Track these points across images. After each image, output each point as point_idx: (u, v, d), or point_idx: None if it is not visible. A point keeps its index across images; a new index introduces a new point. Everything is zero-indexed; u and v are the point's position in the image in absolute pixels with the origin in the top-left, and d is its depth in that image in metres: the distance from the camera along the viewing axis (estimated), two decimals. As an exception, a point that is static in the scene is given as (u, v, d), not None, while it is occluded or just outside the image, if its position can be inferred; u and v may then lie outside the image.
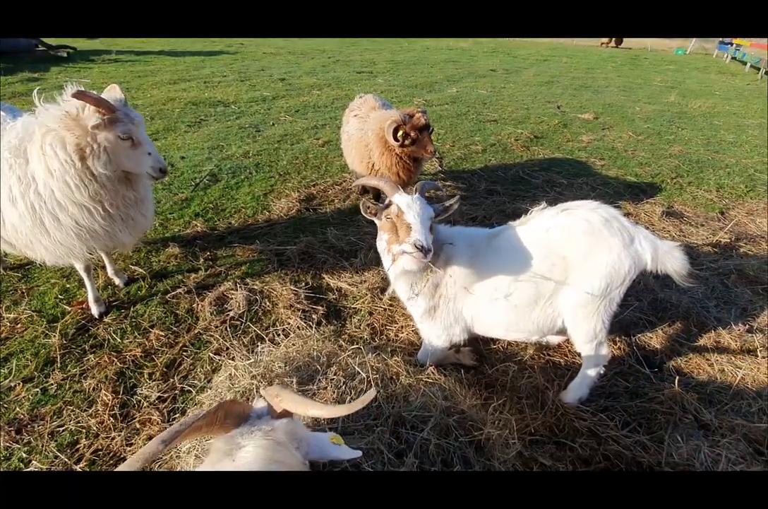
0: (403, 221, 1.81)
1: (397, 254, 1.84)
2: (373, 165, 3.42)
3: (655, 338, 2.66)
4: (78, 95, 1.92)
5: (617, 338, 2.62)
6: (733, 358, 2.47)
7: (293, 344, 1.98)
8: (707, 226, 4.16)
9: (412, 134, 3.01)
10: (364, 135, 3.51)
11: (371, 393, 1.03)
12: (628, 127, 7.56)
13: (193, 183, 4.35)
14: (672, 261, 1.96)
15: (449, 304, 2.06)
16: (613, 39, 28.21)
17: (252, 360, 1.84)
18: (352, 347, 1.95)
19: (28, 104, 7.06)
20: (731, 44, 22.47)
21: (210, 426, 1.01)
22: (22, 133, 2.12)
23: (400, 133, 3.03)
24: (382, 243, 2.00)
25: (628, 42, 29.91)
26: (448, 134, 6.59)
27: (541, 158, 5.80)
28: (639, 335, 2.68)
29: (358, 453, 1.17)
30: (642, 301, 2.92)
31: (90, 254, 2.32)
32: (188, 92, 7.98)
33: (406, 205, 1.85)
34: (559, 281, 1.95)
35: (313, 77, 10.24)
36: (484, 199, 4.47)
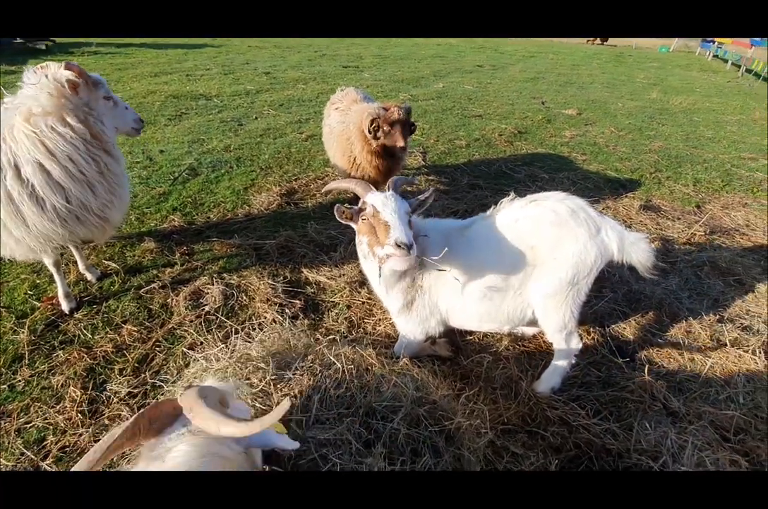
0: (380, 220, 1.75)
1: (382, 257, 1.77)
2: (354, 159, 3.40)
3: (628, 329, 2.70)
4: (68, 66, 2.02)
5: (591, 329, 2.66)
6: (703, 348, 2.52)
7: (269, 337, 1.97)
8: (683, 219, 4.23)
9: (385, 128, 3.00)
10: (345, 128, 3.48)
11: (285, 404, 0.99)
12: (611, 122, 7.65)
13: (171, 177, 4.28)
14: (638, 252, 1.99)
15: (425, 296, 2.06)
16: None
17: (225, 347, 1.82)
18: (329, 337, 1.95)
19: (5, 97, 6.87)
20: (713, 42, 22.85)
21: (133, 438, 0.97)
22: None
23: (373, 126, 3.03)
24: (363, 247, 1.92)
25: (613, 39, 30.19)
26: (432, 128, 6.58)
27: (524, 153, 5.83)
28: (613, 326, 2.72)
29: (296, 445, 1.14)
30: (617, 292, 2.96)
31: (65, 245, 2.28)
32: (170, 85, 7.84)
33: (381, 203, 1.78)
34: (528, 271, 1.97)
35: (299, 71, 10.14)
36: (466, 193, 4.48)
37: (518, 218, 1.99)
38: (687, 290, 3.12)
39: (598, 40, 27.98)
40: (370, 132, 3.05)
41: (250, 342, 2.05)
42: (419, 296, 2.09)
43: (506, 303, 2.04)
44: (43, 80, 2.04)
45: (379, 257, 1.79)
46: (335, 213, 1.84)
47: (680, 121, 8.20)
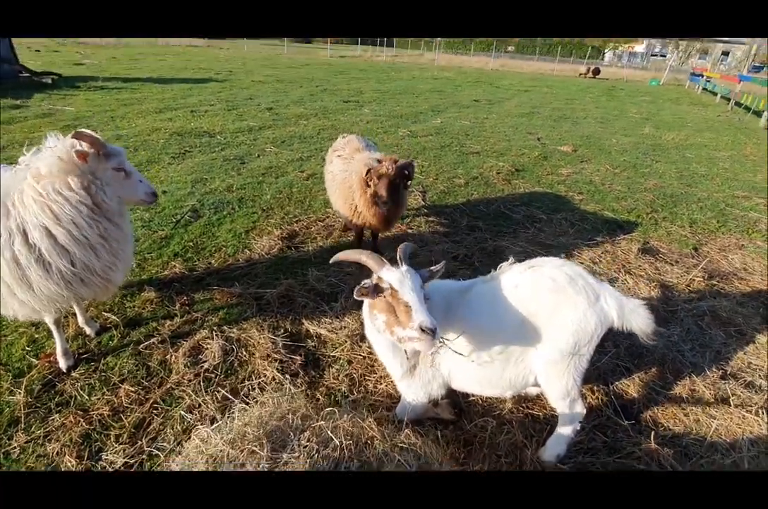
0: (400, 300, 1.70)
1: (404, 339, 1.72)
2: (356, 207, 3.47)
3: (632, 386, 2.67)
4: (77, 135, 2.08)
5: (595, 387, 2.63)
6: (707, 407, 2.49)
7: (266, 407, 1.93)
8: (681, 263, 4.26)
9: (375, 179, 3.12)
10: (348, 177, 3.57)
11: None
12: (606, 159, 7.83)
13: (174, 220, 4.33)
14: (637, 319, 1.99)
15: (426, 360, 2.05)
16: (591, 70, 29.63)
17: (222, 425, 1.78)
18: (327, 409, 1.91)
19: (7, 133, 7.02)
20: (702, 76, 23.70)
21: None
22: (4, 189, 2.10)
23: (367, 176, 3.19)
24: (378, 323, 1.84)
25: (605, 72, 31.38)
26: (432, 166, 6.72)
27: (521, 192, 5.94)
28: (617, 383, 2.69)
29: None
30: (619, 347, 2.95)
31: (68, 307, 2.30)
32: (174, 122, 8.05)
33: (398, 281, 1.73)
34: (529, 338, 1.97)
35: (301, 107, 10.44)
36: (466, 235, 4.53)
37: (518, 283, 2.00)
38: (689, 342, 3.10)
39: (590, 74, 29.08)
40: (364, 182, 3.23)
41: (248, 409, 2.01)
42: (422, 361, 2.08)
43: (508, 370, 2.02)
44: (58, 145, 2.11)
45: (399, 337, 1.74)
46: (355, 294, 1.77)
47: (673, 157, 8.41)
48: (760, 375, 2.78)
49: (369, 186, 3.22)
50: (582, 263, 4.09)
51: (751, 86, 16.64)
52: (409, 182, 3.34)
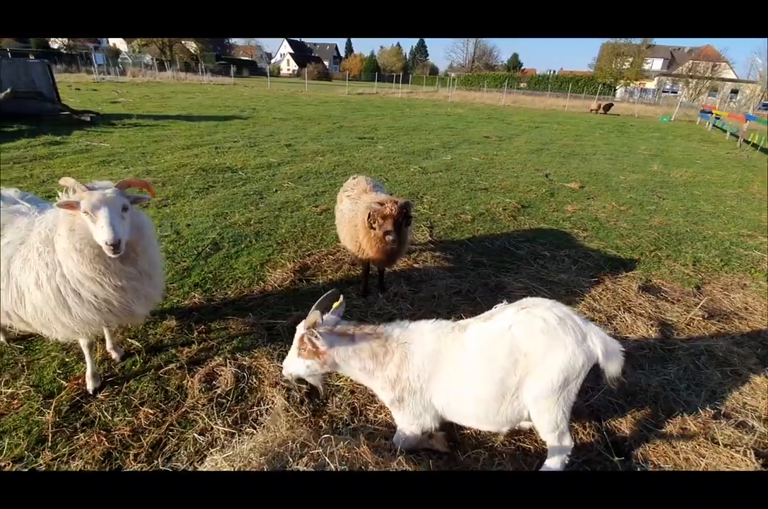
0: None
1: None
2: (360, 244, 3.73)
3: (624, 423, 2.75)
4: (64, 181, 2.27)
5: (587, 424, 2.72)
6: (697, 446, 2.55)
7: (270, 432, 2.10)
8: (683, 301, 4.35)
9: (379, 220, 3.36)
10: (354, 216, 3.85)
11: None
12: (612, 196, 8.03)
13: (195, 252, 4.65)
14: (613, 361, 2.14)
15: (416, 396, 2.19)
16: (602, 106, 30.31)
17: (231, 453, 1.96)
18: (324, 435, 2.08)
19: (47, 168, 7.61)
20: (711, 113, 24.10)
21: None
22: (50, 224, 2.42)
23: (370, 219, 3.42)
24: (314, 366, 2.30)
25: (616, 108, 32.09)
26: (440, 202, 7.02)
27: (527, 228, 6.15)
28: (609, 420, 2.77)
29: None
30: (613, 384, 3.04)
31: (102, 329, 2.52)
32: (200, 158, 8.62)
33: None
34: (522, 376, 2.10)
35: (317, 143, 11.03)
36: (470, 271, 4.72)
37: (512, 324, 2.15)
38: (685, 381, 3.17)
39: (601, 110, 29.76)
40: (368, 224, 3.46)
41: (255, 433, 2.19)
42: (409, 396, 2.21)
43: (503, 407, 2.13)
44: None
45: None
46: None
47: (681, 194, 8.56)
48: (753, 416, 2.84)
49: (372, 228, 3.47)
50: (582, 300, 4.22)
51: (757, 126, 16.90)
52: (411, 219, 3.57)
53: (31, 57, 15.14)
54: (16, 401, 2.62)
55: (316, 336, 2.17)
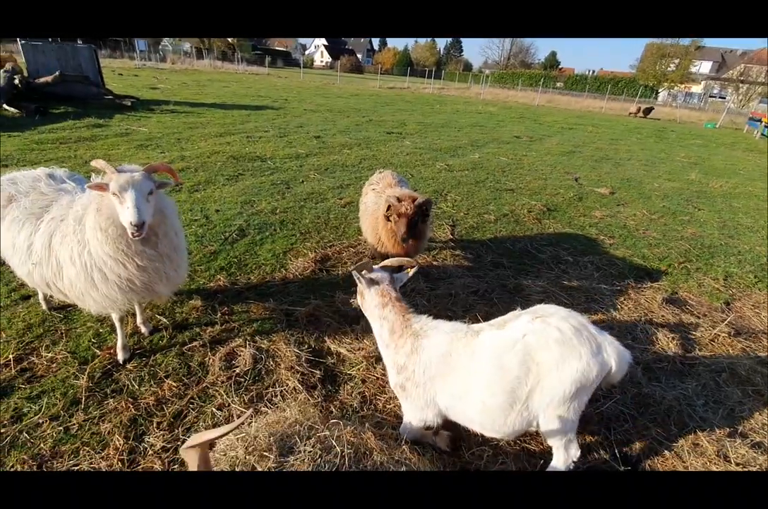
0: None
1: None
2: (380, 237, 3.79)
3: (634, 434, 2.73)
4: (95, 163, 2.37)
5: (597, 431, 2.71)
6: (708, 463, 2.52)
7: (279, 418, 2.20)
8: (709, 317, 4.22)
9: (395, 216, 3.41)
10: (377, 209, 3.91)
11: (247, 414, 1.57)
12: (644, 204, 7.79)
13: (223, 237, 4.81)
14: (619, 371, 2.13)
15: (418, 389, 2.22)
16: (642, 109, 29.18)
17: (243, 434, 2.05)
18: (333, 419, 2.16)
19: (90, 150, 7.95)
20: (760, 121, 22.88)
21: None
22: (85, 204, 2.56)
23: (388, 212, 3.48)
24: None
25: (658, 112, 30.80)
26: (464, 201, 6.99)
27: (551, 232, 6.06)
28: (619, 429, 2.76)
29: None
30: (626, 394, 3.01)
31: (129, 305, 2.68)
32: (232, 146, 8.83)
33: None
34: (534, 385, 2.07)
35: (346, 136, 11.10)
36: (488, 271, 4.71)
37: (526, 333, 2.11)
38: (703, 397, 3.11)
39: (641, 113, 28.69)
40: (386, 216, 3.52)
41: (268, 413, 2.29)
42: (412, 387, 2.24)
43: (511, 417, 2.12)
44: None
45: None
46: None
47: (718, 206, 8.21)
48: (771, 437, 2.77)
49: (390, 221, 3.52)
50: (602, 309, 4.16)
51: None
52: (429, 217, 3.59)
53: (79, 41, 15.68)
54: (54, 365, 2.82)
55: (359, 278, 2.38)
